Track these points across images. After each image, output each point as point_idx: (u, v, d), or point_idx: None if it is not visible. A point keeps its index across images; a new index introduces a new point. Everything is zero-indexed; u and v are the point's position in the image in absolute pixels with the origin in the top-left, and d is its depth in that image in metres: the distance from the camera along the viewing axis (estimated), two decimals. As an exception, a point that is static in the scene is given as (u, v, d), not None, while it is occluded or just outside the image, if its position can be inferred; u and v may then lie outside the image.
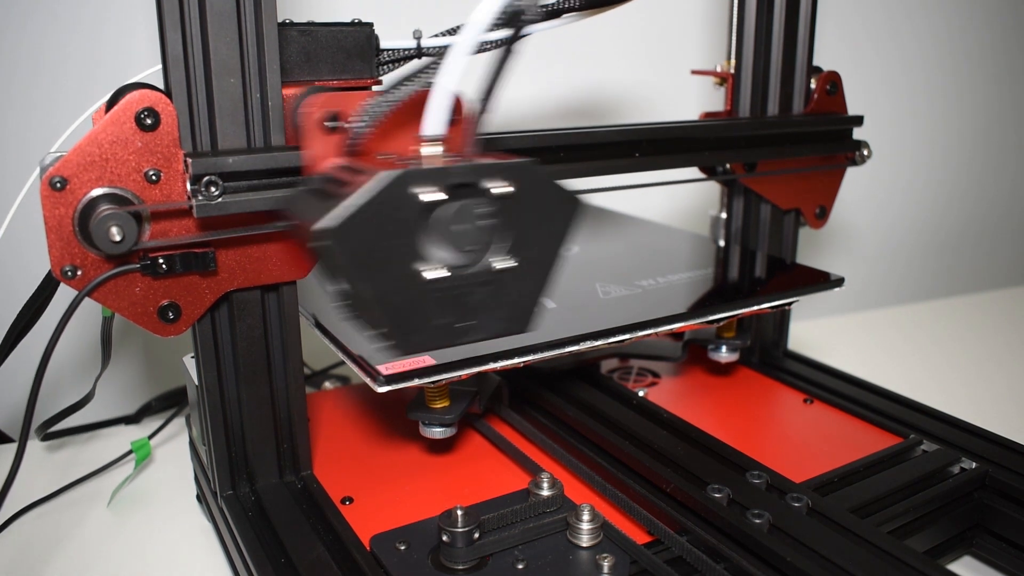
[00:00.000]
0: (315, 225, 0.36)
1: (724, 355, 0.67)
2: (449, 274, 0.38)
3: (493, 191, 0.38)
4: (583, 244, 0.75)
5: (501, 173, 0.39)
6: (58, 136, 0.48)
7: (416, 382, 0.47)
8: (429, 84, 0.40)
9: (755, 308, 0.58)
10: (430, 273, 0.38)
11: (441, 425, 0.55)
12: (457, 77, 0.39)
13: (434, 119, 0.40)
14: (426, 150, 0.40)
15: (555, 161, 0.54)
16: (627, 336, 0.54)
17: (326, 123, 0.44)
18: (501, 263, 0.40)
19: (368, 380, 0.47)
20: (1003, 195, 1.38)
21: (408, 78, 0.41)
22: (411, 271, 0.38)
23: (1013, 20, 1.29)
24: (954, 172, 1.31)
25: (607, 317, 0.55)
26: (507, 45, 0.39)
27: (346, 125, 0.44)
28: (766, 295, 0.59)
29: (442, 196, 0.37)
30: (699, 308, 0.57)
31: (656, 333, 0.55)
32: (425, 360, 0.48)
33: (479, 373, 0.50)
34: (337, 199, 0.36)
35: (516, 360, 0.50)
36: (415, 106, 0.41)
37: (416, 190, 0.37)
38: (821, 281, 0.61)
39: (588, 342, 0.52)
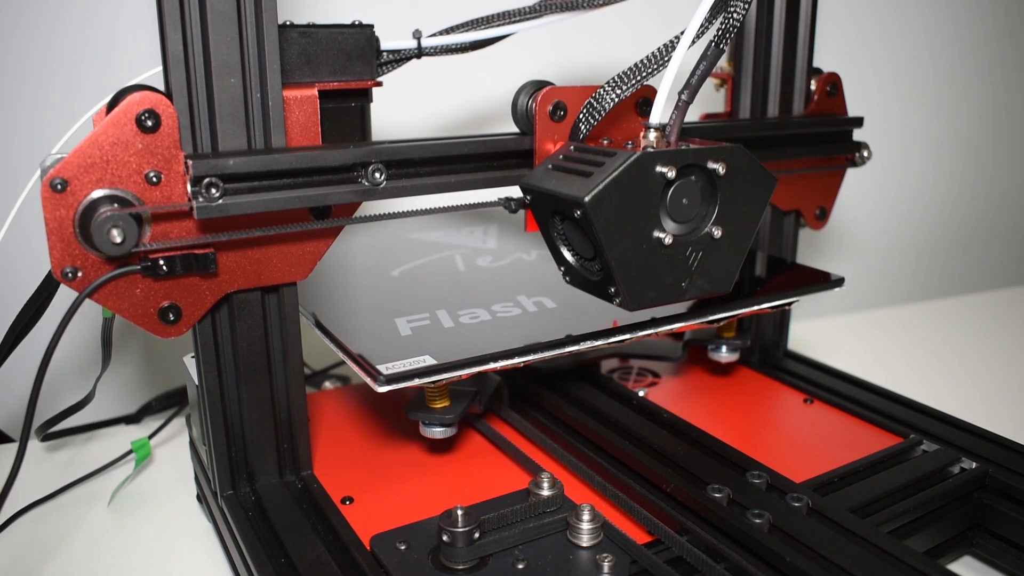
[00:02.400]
0: (576, 195, 0.44)
1: (724, 355, 0.67)
2: (675, 240, 0.47)
3: (714, 170, 0.46)
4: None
5: (720, 155, 0.47)
6: (59, 138, 0.48)
7: (416, 382, 0.47)
8: (640, 83, 0.49)
9: (755, 308, 0.58)
10: (663, 238, 0.46)
11: (441, 425, 0.55)
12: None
13: (659, 110, 0.47)
14: (649, 136, 0.47)
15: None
16: (627, 336, 0.54)
17: (553, 113, 0.52)
18: (716, 231, 0.47)
19: (368, 380, 0.47)
20: (1003, 195, 1.38)
21: (627, 77, 0.49)
22: (647, 236, 0.46)
23: (1013, 20, 1.29)
24: (954, 172, 1.31)
25: (607, 317, 0.55)
26: (718, 44, 0.47)
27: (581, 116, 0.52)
28: (766, 295, 0.59)
29: (675, 173, 0.45)
30: (699, 308, 0.57)
31: (656, 333, 0.55)
32: (425, 360, 0.48)
33: (479, 373, 0.50)
34: (590, 175, 0.45)
35: (516, 360, 0.50)
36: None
37: (656, 168, 0.45)
38: (821, 281, 0.61)
39: (588, 342, 0.52)
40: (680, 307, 0.56)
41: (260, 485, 0.52)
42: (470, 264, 0.69)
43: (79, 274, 0.42)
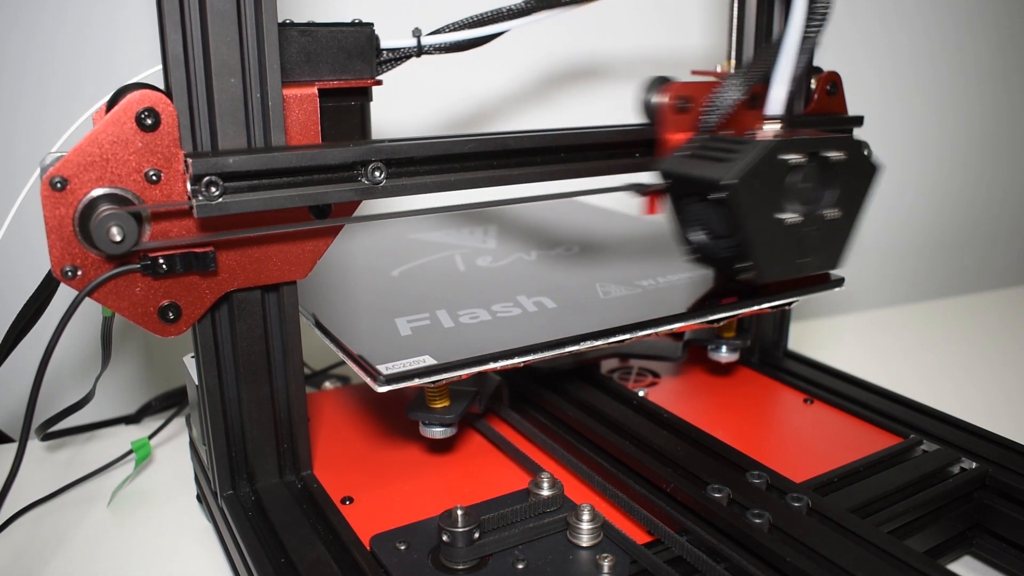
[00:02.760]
0: (720, 178, 0.50)
1: (724, 355, 0.67)
2: (798, 220, 0.52)
3: (832, 158, 0.53)
4: (583, 244, 0.75)
5: (838, 144, 0.53)
6: (58, 136, 0.48)
7: (416, 382, 0.47)
8: (758, 79, 0.56)
9: (755, 308, 0.58)
10: (789, 219, 0.52)
11: (441, 425, 0.55)
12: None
13: (776, 102, 0.55)
14: (768, 127, 0.55)
15: (555, 162, 0.54)
16: (627, 336, 0.54)
17: (679, 106, 0.57)
18: (831, 213, 0.54)
19: (368, 380, 0.47)
20: (1003, 195, 1.38)
21: (750, 73, 0.56)
22: (775, 216, 0.52)
23: (1013, 20, 1.29)
24: (954, 171, 1.31)
25: (607, 317, 0.55)
26: (816, 38, 0.54)
27: (702, 109, 0.57)
28: (766, 295, 0.59)
29: (801, 160, 0.51)
30: (699, 308, 0.57)
31: (656, 333, 0.55)
32: (425, 360, 0.48)
33: (479, 373, 0.49)
34: (729, 161, 0.51)
35: (516, 360, 0.50)
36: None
37: (785, 155, 0.51)
38: (821, 281, 0.61)
39: (588, 342, 0.52)
40: (680, 307, 0.57)
41: (260, 485, 0.52)
42: (470, 264, 0.69)
43: (79, 273, 0.42)
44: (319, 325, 0.54)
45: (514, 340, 0.51)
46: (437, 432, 0.55)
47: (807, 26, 0.54)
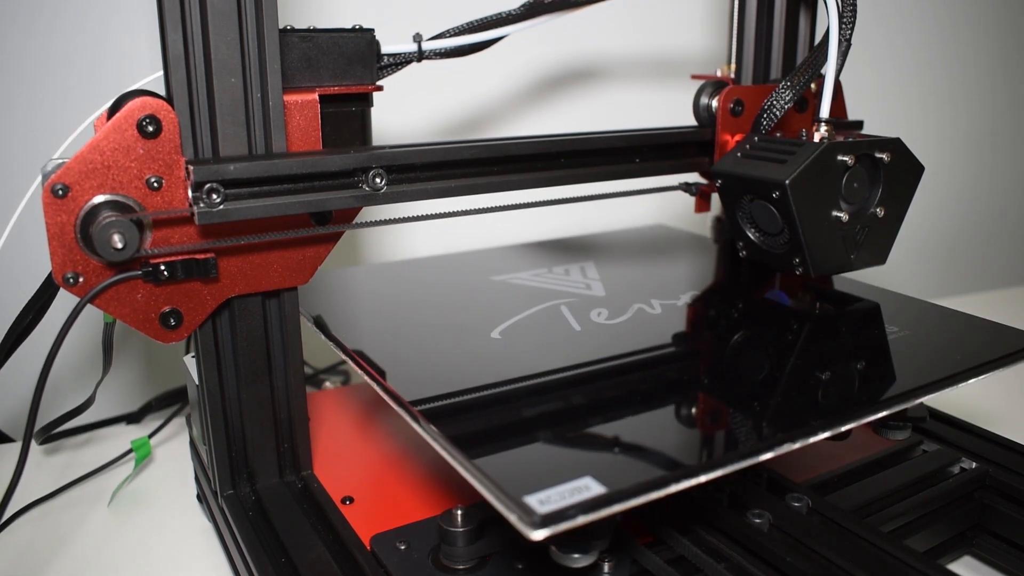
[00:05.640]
0: (777, 178, 0.52)
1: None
2: (849, 218, 0.54)
3: (880, 158, 0.54)
4: (703, 286, 0.66)
5: (887, 146, 0.55)
6: (60, 143, 0.48)
7: (581, 520, 0.33)
8: (808, 83, 0.58)
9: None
10: (840, 216, 0.54)
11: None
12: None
13: (826, 106, 0.55)
14: (822, 129, 0.55)
15: (556, 167, 0.54)
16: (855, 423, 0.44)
17: (733, 109, 0.61)
18: (879, 211, 0.56)
19: (513, 519, 0.33)
20: (1003, 195, 1.37)
21: (799, 78, 0.58)
22: (828, 215, 0.54)
23: (1013, 21, 1.28)
24: (954, 173, 1.31)
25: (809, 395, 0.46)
26: (846, 42, 0.56)
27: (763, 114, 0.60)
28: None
29: (852, 160, 0.53)
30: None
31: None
32: (588, 486, 0.35)
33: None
34: (785, 162, 0.53)
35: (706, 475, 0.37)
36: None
37: (839, 156, 0.53)
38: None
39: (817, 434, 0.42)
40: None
41: (260, 485, 0.52)
42: (583, 319, 0.57)
43: (80, 279, 0.42)
44: (421, 417, 0.42)
45: (687, 439, 0.41)
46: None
47: (840, 28, 0.56)
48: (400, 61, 0.51)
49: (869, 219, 0.56)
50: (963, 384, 0.48)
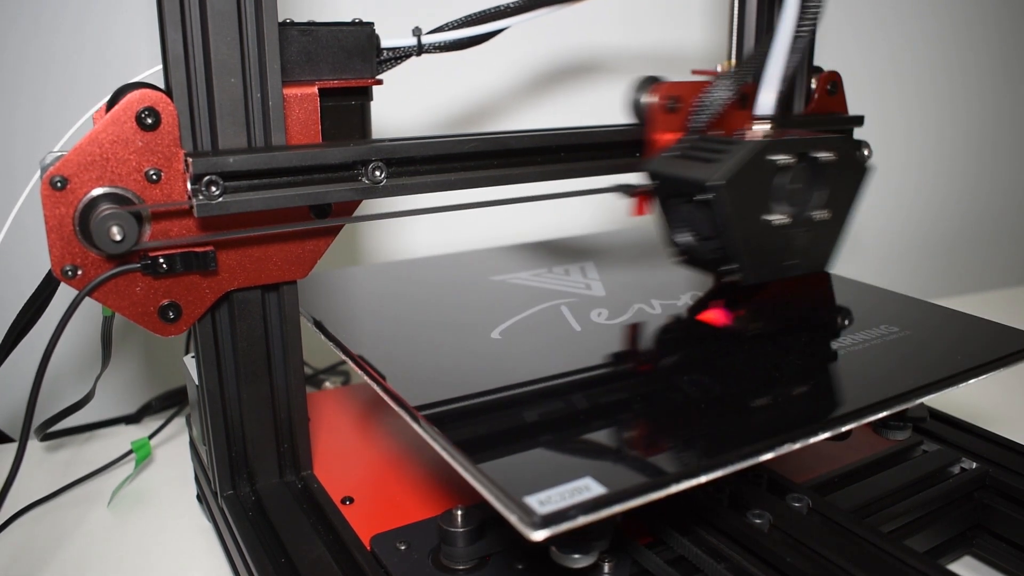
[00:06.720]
0: (706, 179, 0.49)
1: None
2: (787, 221, 0.52)
3: (820, 158, 0.52)
4: (703, 288, 0.63)
5: (828, 144, 0.52)
6: (59, 136, 0.48)
7: (582, 521, 0.33)
8: (747, 79, 0.54)
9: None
10: (776, 220, 0.51)
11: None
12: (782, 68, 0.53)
13: (765, 102, 0.53)
14: (757, 127, 0.53)
15: (556, 161, 0.53)
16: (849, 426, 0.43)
17: (668, 106, 0.57)
18: (819, 215, 0.53)
19: (512, 519, 0.33)
20: (1003, 195, 1.37)
21: (740, 73, 0.54)
22: (763, 218, 0.51)
23: (1013, 20, 1.29)
24: (954, 172, 1.31)
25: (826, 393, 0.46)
26: (803, 36, 0.52)
27: (692, 108, 0.57)
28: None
29: (789, 160, 0.50)
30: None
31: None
32: (588, 486, 0.35)
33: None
34: (716, 161, 0.50)
35: (705, 476, 0.37)
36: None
37: (774, 156, 0.50)
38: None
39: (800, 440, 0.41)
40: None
41: (260, 485, 0.52)
42: (583, 319, 0.56)
43: (79, 272, 0.42)
44: (423, 420, 0.42)
45: (687, 439, 0.40)
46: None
47: (799, 26, 0.52)
48: (400, 55, 0.51)
49: (808, 223, 0.53)
50: (963, 384, 0.47)
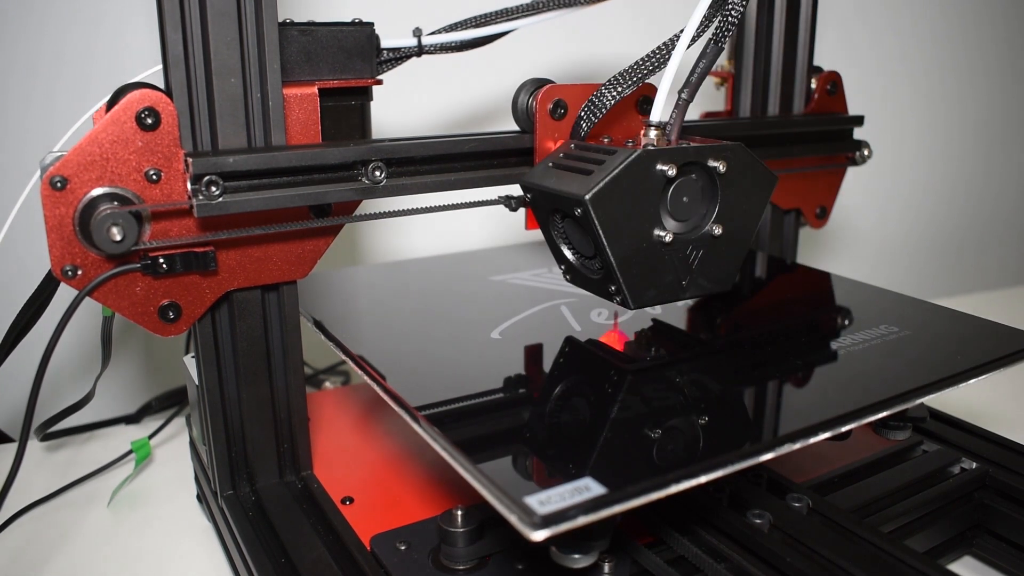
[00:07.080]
0: (576, 193, 0.44)
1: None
2: (676, 238, 0.46)
3: (714, 168, 0.46)
4: None
5: (721, 153, 0.46)
6: (59, 136, 0.48)
7: (582, 521, 0.33)
8: (641, 82, 0.48)
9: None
10: (663, 236, 0.45)
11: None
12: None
13: (659, 108, 0.46)
14: (650, 134, 0.47)
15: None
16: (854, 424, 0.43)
17: (554, 111, 0.52)
18: (716, 229, 0.47)
19: (513, 519, 0.34)
20: (1003, 195, 1.38)
21: (628, 75, 0.48)
22: (647, 235, 0.45)
23: (1013, 20, 1.29)
24: (954, 172, 1.31)
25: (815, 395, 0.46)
26: (716, 42, 0.47)
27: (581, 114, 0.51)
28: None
29: (675, 171, 0.44)
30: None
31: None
32: (589, 486, 0.35)
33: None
34: (591, 173, 0.45)
35: (706, 476, 0.37)
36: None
37: (657, 166, 0.44)
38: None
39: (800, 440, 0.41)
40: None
41: (260, 485, 0.52)
42: (583, 320, 0.57)
43: (79, 272, 0.42)
44: (423, 420, 0.42)
45: (687, 439, 0.40)
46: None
47: (716, 30, 0.47)
48: (400, 56, 0.51)
49: (704, 239, 0.47)
50: (963, 384, 0.47)
